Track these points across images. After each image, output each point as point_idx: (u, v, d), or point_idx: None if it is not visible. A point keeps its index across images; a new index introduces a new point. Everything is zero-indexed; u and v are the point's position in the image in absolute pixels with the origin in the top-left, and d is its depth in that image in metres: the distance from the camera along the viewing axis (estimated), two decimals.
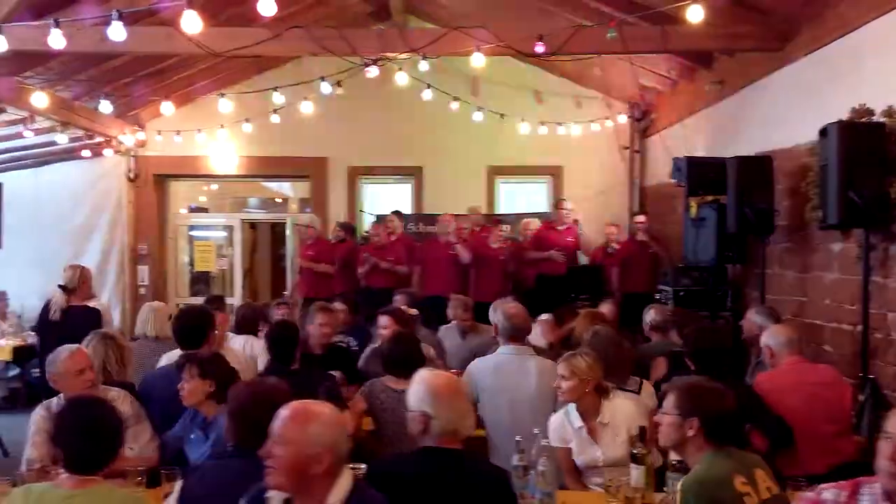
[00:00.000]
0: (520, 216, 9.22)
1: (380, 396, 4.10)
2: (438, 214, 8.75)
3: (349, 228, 9.17)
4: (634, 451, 3.25)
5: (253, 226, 11.59)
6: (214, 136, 9.06)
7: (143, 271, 10.19)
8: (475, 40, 6.00)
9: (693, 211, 6.21)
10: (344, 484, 2.30)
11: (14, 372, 9.18)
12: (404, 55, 6.42)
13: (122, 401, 3.77)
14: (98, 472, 2.63)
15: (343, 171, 10.07)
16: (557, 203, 8.82)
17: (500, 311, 4.26)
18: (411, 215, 9.66)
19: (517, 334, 4.19)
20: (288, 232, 10.18)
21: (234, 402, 2.91)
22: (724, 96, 6.90)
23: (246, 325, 5.68)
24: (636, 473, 3.21)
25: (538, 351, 4.50)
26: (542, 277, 8.31)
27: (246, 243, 11.06)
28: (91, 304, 6.70)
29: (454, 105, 8.25)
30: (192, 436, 3.74)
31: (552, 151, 9.65)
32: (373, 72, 6.68)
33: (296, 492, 2.28)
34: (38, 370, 8.50)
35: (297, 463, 2.24)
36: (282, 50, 6.46)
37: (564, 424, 3.58)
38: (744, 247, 6.10)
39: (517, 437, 3.53)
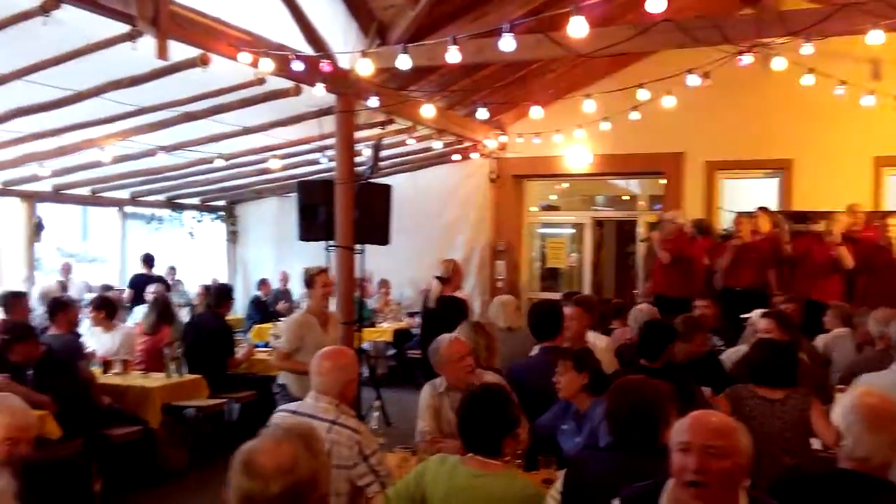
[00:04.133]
0: None
1: (748, 403, 3.79)
2: (813, 212, 7.92)
3: (703, 226, 8.77)
4: None
5: (599, 223, 11.65)
6: (571, 137, 9.24)
7: (501, 266, 10.82)
8: (871, 16, 5.25)
9: None
10: (742, 496, 2.16)
11: (392, 352, 10.42)
12: (783, 39, 5.87)
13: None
14: (496, 456, 2.78)
15: (700, 166, 9.61)
16: None
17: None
18: (777, 212, 8.87)
19: None
20: (639, 230, 10.03)
21: (614, 398, 2.91)
22: None
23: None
24: None
25: None
26: None
27: (593, 240, 11.18)
28: (459, 294, 7.29)
29: (839, 90, 7.34)
30: (564, 426, 3.82)
31: None
32: (746, 60, 6.22)
33: None
34: (415, 351, 9.54)
35: (734, 477, 2.12)
36: (649, 45, 6.33)
37: None
38: None
39: None
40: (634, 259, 9.95)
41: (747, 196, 9.58)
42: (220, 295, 7.49)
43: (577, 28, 4.02)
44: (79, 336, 6.59)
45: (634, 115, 7.82)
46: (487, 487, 2.69)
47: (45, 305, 6.65)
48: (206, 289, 8.82)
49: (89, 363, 6.20)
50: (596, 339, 5.28)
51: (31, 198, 8.93)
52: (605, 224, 11.88)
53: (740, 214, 8.57)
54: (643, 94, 6.84)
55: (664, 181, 10.08)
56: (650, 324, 4.45)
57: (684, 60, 6.70)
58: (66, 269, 10.25)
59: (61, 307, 6.20)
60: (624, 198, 12.35)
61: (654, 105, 7.58)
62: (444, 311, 6.22)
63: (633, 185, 12.00)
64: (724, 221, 8.98)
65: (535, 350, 4.65)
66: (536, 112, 7.57)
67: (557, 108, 9.04)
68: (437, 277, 6.49)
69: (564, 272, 11.54)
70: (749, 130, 9.09)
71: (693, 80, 6.46)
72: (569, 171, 10.36)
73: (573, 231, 11.48)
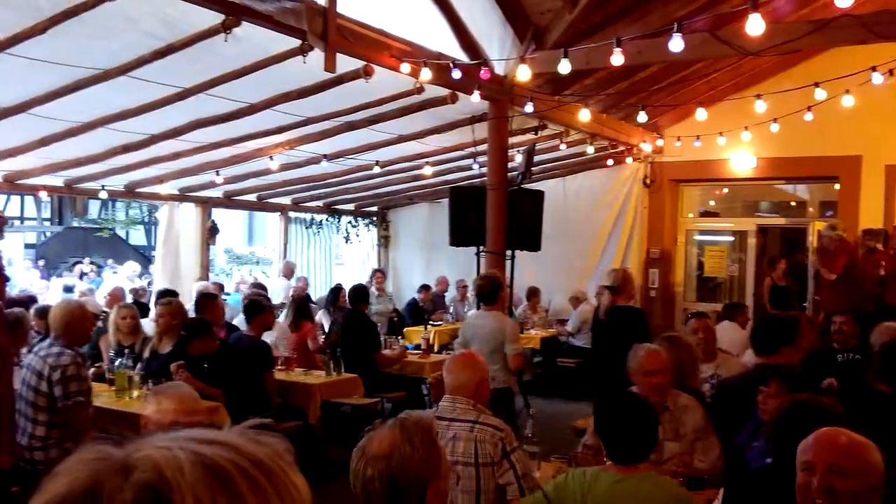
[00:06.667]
0: None
1: None
2: None
3: (881, 236, 8.05)
4: None
5: (763, 231, 10.98)
6: (733, 139, 8.77)
7: (654, 274, 10.46)
8: None
9: None
10: None
11: (538, 359, 10.32)
12: None
13: (693, 410, 3.76)
14: (638, 463, 2.70)
15: (880, 170, 8.82)
16: None
17: None
18: None
19: None
20: (810, 238, 9.36)
21: (775, 415, 2.77)
22: None
23: None
24: None
25: None
26: None
27: (756, 249, 10.54)
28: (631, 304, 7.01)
29: None
30: (755, 443, 3.60)
31: None
32: None
33: None
34: (567, 360, 9.41)
35: (865, 498, 1.95)
36: (826, 42, 5.90)
37: None
38: None
39: None
40: (805, 269, 9.29)
41: None
42: (357, 295, 7.75)
43: (755, 26, 3.78)
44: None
45: (808, 116, 7.30)
46: (632, 491, 2.64)
47: (196, 302, 6.92)
48: (336, 289, 9.12)
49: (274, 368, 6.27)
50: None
51: (206, 203, 9.63)
52: (769, 231, 11.18)
53: None
54: (820, 94, 6.35)
55: (838, 186, 9.35)
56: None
57: (860, 57, 6.20)
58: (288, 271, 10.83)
59: (259, 310, 6.32)
60: (791, 204, 11.57)
61: (827, 105, 7.05)
62: (615, 322, 5.98)
63: (802, 191, 11.23)
64: None
65: (751, 365, 4.39)
66: (701, 114, 7.24)
67: (719, 110, 8.62)
68: (607, 287, 6.28)
69: (724, 282, 10.96)
70: None
71: (878, 79, 5.95)
72: (731, 174, 9.85)
73: (733, 239, 10.89)
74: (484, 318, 5.62)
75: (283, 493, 0.66)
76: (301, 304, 7.64)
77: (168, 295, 6.74)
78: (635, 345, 3.93)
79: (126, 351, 5.76)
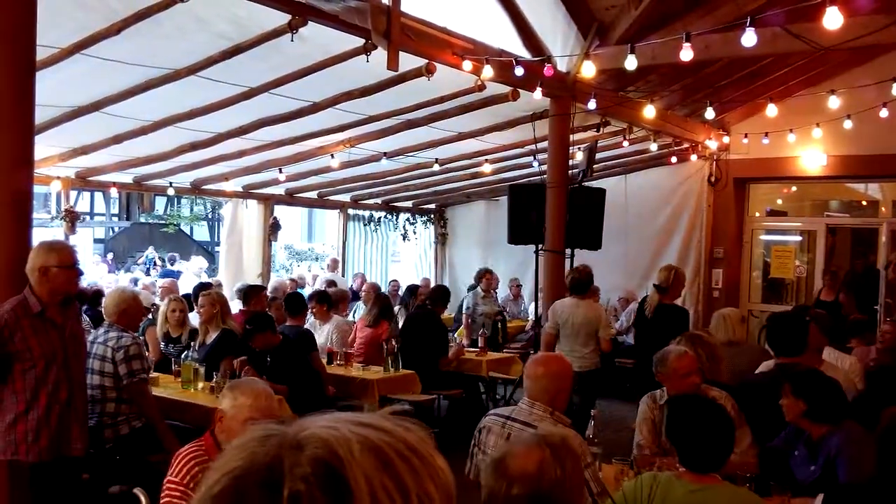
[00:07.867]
0: None
1: None
2: None
3: None
4: None
5: (831, 231, 10.61)
6: (807, 136, 8.47)
7: (718, 274, 10.20)
8: None
9: None
10: None
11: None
12: None
13: (723, 401, 3.68)
14: (713, 472, 2.62)
15: None
16: None
17: None
18: None
19: None
20: (883, 238, 9.00)
21: (882, 426, 2.67)
22: None
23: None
24: None
25: None
26: None
27: (826, 250, 10.19)
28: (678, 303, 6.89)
29: None
30: (795, 452, 3.53)
31: None
32: None
33: None
34: (625, 360, 9.25)
35: None
36: None
37: None
38: None
39: None
40: (877, 271, 8.92)
41: None
42: (439, 296, 7.73)
43: (832, 20, 3.64)
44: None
45: (884, 113, 7.01)
46: (709, 502, 2.56)
47: (243, 294, 7.12)
48: (413, 288, 9.08)
49: (320, 355, 6.60)
50: (836, 359, 4.78)
51: (268, 200, 9.80)
52: (838, 231, 10.79)
53: None
54: None
55: None
56: None
57: None
58: (334, 265, 11.04)
59: (303, 303, 6.66)
60: (863, 203, 11.15)
61: None
62: (660, 321, 5.90)
63: (874, 190, 10.80)
64: None
65: (770, 365, 4.31)
66: (772, 110, 7.01)
67: (789, 106, 8.34)
68: (656, 286, 6.18)
69: (790, 283, 10.62)
70: None
71: None
72: (800, 172, 9.52)
73: (801, 239, 10.55)
74: (578, 306, 6.03)
75: (434, 475, 0.70)
76: (385, 304, 7.65)
77: (206, 288, 6.92)
78: (661, 351, 3.88)
79: (184, 343, 5.92)
